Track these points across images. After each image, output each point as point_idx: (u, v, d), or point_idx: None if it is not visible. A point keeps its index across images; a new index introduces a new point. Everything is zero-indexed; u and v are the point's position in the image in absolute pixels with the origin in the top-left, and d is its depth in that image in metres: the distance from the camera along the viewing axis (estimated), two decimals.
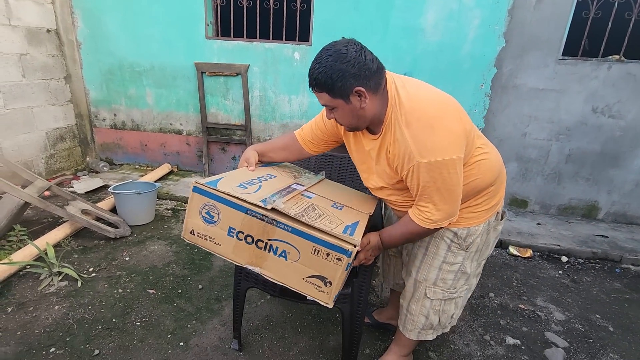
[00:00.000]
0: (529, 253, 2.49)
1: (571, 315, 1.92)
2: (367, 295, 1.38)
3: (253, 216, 0.97)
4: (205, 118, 3.31)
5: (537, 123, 2.87)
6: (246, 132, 3.28)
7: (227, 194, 0.98)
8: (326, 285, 0.99)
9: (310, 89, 0.99)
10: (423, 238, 1.19)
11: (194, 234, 1.06)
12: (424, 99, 0.99)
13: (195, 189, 1.01)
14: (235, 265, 1.43)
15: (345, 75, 0.91)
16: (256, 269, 1.04)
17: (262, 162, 1.37)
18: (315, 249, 0.95)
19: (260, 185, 1.11)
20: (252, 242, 1.01)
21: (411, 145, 0.94)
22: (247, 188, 1.05)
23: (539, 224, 2.89)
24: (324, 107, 1.06)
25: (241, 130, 3.32)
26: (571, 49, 2.75)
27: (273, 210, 0.97)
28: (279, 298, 1.48)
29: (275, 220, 0.96)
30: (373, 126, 1.07)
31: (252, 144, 3.33)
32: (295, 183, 1.27)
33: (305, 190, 1.24)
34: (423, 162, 0.94)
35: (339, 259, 0.93)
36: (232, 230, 1.01)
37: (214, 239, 1.05)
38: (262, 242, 1.00)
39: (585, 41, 2.70)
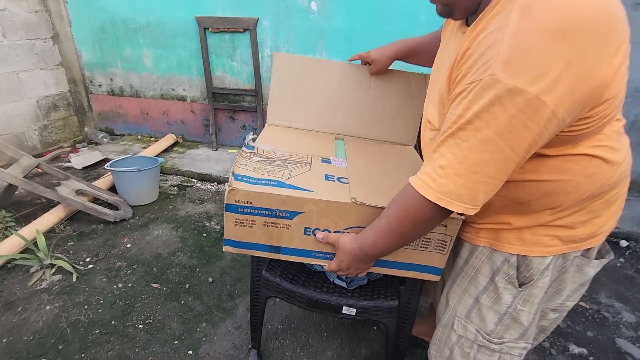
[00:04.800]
0: None
1: None
2: (417, 306, 1.11)
3: None
4: (210, 82, 2.95)
5: None
6: (257, 98, 2.92)
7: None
8: None
9: None
10: (417, 225, 0.70)
11: None
12: None
13: None
14: (252, 270, 1.18)
15: None
16: None
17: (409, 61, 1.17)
18: None
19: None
20: None
21: (503, 47, 0.53)
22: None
23: None
24: None
25: (251, 96, 2.96)
26: None
27: None
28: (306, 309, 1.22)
29: None
30: (473, 12, 0.68)
31: (264, 111, 2.99)
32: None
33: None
34: (502, 84, 0.53)
35: None
36: None
37: None
38: None
39: None
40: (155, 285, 1.64)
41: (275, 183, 0.85)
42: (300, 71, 1.23)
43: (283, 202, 0.82)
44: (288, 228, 0.86)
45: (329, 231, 0.86)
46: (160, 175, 2.68)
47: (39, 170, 2.17)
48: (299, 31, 2.64)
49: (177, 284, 1.66)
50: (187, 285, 1.66)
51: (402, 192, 0.72)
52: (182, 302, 1.57)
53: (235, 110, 3.04)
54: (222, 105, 3.02)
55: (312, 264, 1.20)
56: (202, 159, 2.93)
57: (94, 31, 2.99)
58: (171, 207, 2.31)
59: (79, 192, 2.05)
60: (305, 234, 0.87)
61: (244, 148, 1.02)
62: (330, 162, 1.02)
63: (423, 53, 1.11)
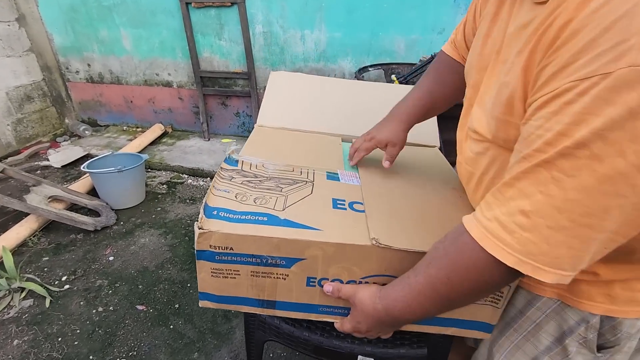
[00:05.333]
0: None
1: None
2: (449, 351, 0.90)
3: None
4: (197, 65, 2.65)
5: None
6: (249, 81, 2.63)
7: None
8: None
9: None
10: (475, 291, 0.48)
11: None
12: None
13: None
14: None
15: None
16: None
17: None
18: None
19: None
20: None
21: None
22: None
23: None
24: None
25: (243, 79, 2.67)
26: None
27: None
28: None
29: None
30: None
31: (258, 95, 2.71)
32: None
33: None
34: None
35: None
36: None
37: None
38: None
39: None
40: (140, 307, 1.45)
41: (266, 219, 0.62)
42: (299, 85, 1.13)
43: (276, 247, 0.60)
44: (284, 278, 0.64)
45: (341, 281, 0.64)
46: (148, 172, 2.45)
47: (6, 174, 1.94)
48: (293, 3, 2.31)
49: (165, 305, 1.47)
50: (177, 306, 1.47)
51: (453, 242, 0.48)
52: (171, 326, 1.38)
53: (226, 95, 2.76)
54: (212, 91, 2.74)
55: None
56: (193, 151, 2.68)
57: (63, 10, 2.67)
58: (159, 208, 2.09)
59: (53, 199, 1.83)
60: (308, 284, 0.64)
61: (223, 164, 0.78)
62: (338, 179, 0.78)
63: (438, 103, 0.82)
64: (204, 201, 0.63)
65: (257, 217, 0.61)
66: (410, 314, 0.56)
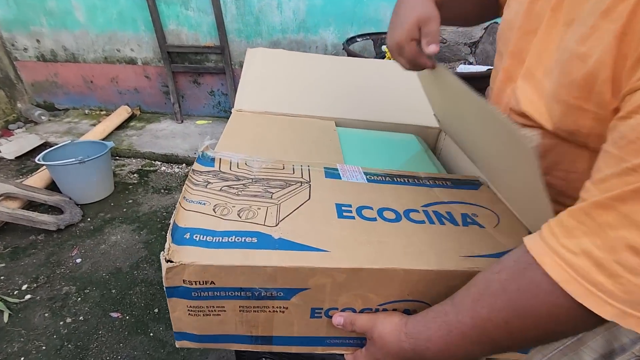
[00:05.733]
0: None
1: None
2: None
3: None
4: (163, 39, 2.38)
5: None
6: (223, 56, 2.39)
7: None
8: None
9: None
10: (541, 337, 0.36)
11: None
12: None
13: None
14: None
15: None
16: None
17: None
18: None
19: None
20: None
21: None
22: None
23: None
24: None
25: (216, 54, 2.43)
26: None
27: None
28: None
29: None
30: None
31: (233, 70, 2.49)
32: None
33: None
34: None
35: None
36: None
37: None
38: None
39: None
40: (115, 315, 1.31)
41: (255, 240, 0.48)
42: (281, 62, 1.01)
43: (272, 278, 0.47)
44: (283, 312, 0.51)
45: (354, 310, 0.52)
46: (116, 160, 2.24)
47: None
48: None
49: (143, 310, 1.34)
50: (157, 310, 1.34)
51: (516, 278, 0.35)
52: (151, 334, 1.25)
53: (198, 72, 2.52)
54: (182, 68, 2.49)
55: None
56: (166, 135, 2.46)
57: None
58: (131, 201, 1.91)
59: (6, 196, 1.61)
60: (312, 316, 0.52)
61: (196, 164, 0.63)
62: (339, 176, 0.65)
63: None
64: (172, 220, 0.49)
65: (243, 239, 0.47)
66: (446, 357, 0.45)
